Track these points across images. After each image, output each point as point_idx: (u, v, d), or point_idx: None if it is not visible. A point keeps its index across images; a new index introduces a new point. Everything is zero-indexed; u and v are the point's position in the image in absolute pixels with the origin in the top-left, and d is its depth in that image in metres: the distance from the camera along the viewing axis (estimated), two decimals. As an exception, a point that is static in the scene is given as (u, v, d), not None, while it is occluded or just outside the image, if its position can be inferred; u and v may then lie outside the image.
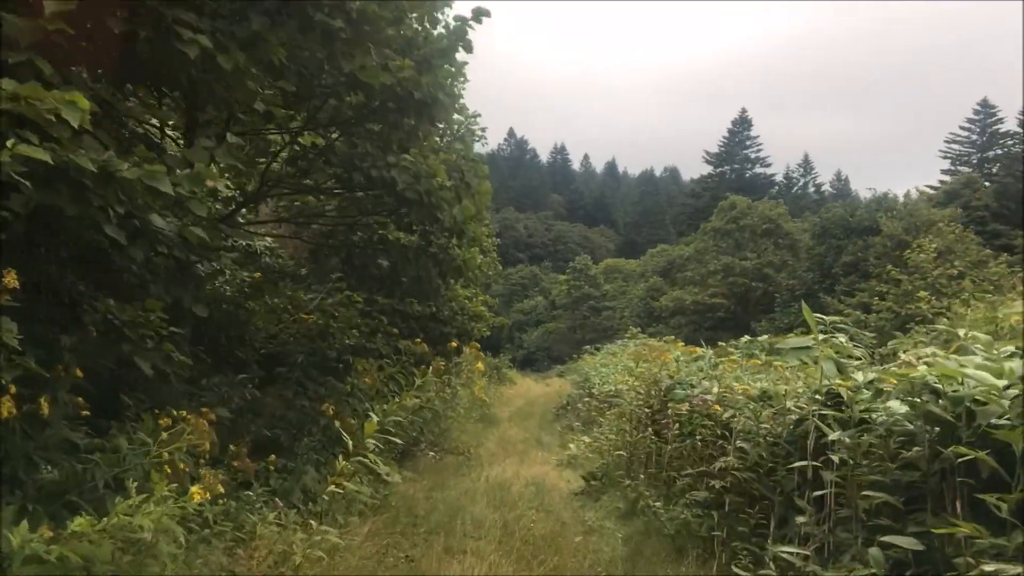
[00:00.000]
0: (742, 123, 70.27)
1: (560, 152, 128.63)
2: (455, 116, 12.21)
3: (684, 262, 45.97)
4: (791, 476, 4.54)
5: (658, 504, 6.48)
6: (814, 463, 4.13)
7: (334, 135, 6.98)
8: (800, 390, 5.06)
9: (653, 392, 8.27)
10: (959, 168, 51.05)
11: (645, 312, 46.45)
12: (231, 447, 5.58)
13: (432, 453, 13.38)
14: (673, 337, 8.35)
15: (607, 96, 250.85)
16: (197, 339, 6.58)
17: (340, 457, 5.96)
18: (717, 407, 6.44)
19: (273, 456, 6.06)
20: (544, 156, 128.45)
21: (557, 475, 10.72)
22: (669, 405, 7.71)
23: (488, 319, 12.67)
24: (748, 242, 42.01)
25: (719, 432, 5.86)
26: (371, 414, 6.70)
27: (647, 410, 8.47)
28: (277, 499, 5.45)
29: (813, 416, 4.20)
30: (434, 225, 6.42)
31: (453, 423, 15.49)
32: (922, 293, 17.48)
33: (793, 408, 4.81)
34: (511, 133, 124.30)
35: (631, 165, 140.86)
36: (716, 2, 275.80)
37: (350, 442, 5.78)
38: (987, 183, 38.75)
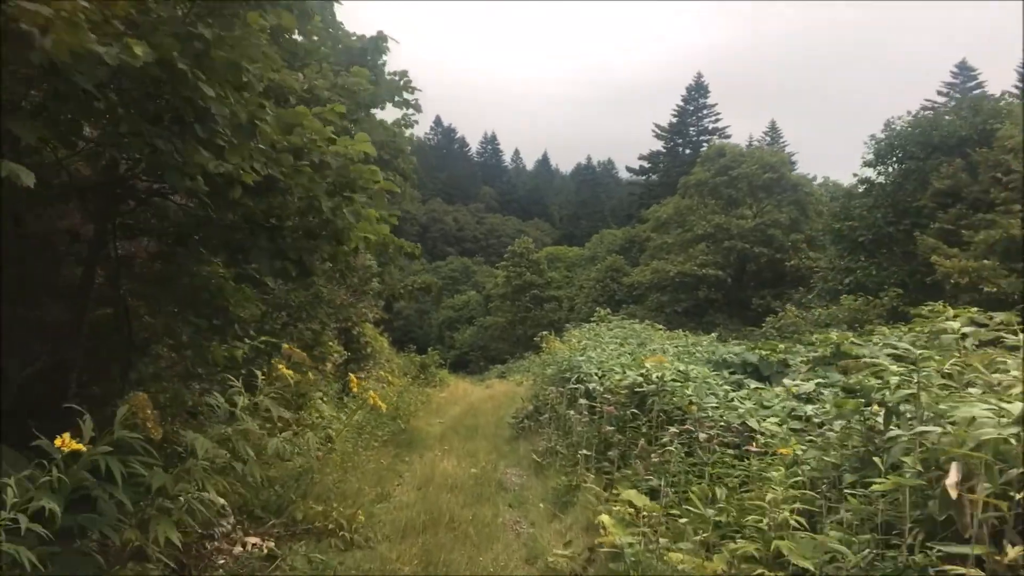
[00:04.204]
0: (698, 90, 61.59)
1: (491, 142, 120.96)
2: None
3: (661, 226, 38.21)
4: None
5: None
6: None
7: None
8: None
9: None
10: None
11: (604, 295, 39.11)
12: None
13: (254, 541, 5.64)
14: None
15: (536, 102, 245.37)
16: None
17: None
18: None
19: None
20: (474, 146, 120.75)
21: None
22: None
23: (384, 218, 4.85)
24: (744, 198, 35.01)
25: None
26: None
27: None
28: None
29: None
30: None
31: (328, 461, 7.71)
32: None
33: None
34: (438, 121, 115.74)
35: (562, 163, 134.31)
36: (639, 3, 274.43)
37: None
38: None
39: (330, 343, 15.18)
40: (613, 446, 7.58)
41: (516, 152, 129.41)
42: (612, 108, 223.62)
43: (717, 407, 6.28)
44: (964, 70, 47.90)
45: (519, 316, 48.06)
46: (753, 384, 7.54)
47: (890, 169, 23.76)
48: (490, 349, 50.12)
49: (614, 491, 6.19)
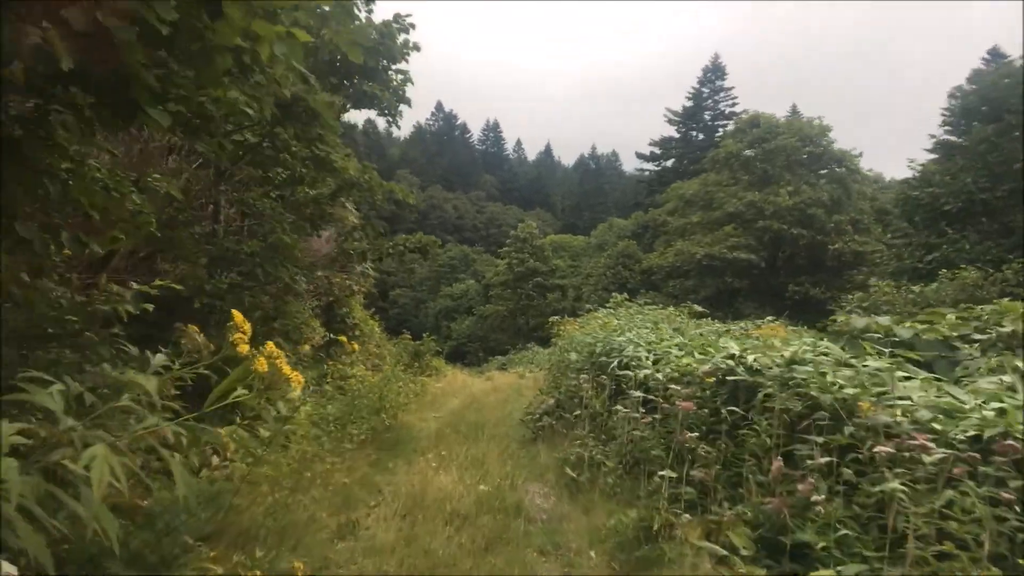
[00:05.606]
0: (714, 71, 57.11)
1: (493, 130, 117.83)
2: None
3: (684, 206, 35.10)
4: None
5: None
6: None
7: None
8: None
9: None
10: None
11: (615, 283, 36.27)
12: None
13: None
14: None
15: (535, 103, 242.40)
16: None
17: None
18: None
19: None
20: (476, 134, 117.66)
21: None
22: None
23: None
24: (782, 173, 31.16)
25: None
26: None
27: None
28: None
29: None
30: None
31: (263, 476, 5.13)
32: None
33: None
34: (439, 107, 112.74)
35: (564, 156, 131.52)
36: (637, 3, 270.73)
37: None
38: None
39: (312, 320, 12.62)
40: (697, 462, 5.01)
41: (518, 142, 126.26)
42: (614, 111, 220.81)
43: (914, 407, 3.68)
44: (996, 56, 45.07)
45: (520, 305, 45.37)
46: (921, 374, 4.94)
47: (983, 127, 20.69)
48: (489, 340, 47.60)
49: (728, 542, 3.61)
